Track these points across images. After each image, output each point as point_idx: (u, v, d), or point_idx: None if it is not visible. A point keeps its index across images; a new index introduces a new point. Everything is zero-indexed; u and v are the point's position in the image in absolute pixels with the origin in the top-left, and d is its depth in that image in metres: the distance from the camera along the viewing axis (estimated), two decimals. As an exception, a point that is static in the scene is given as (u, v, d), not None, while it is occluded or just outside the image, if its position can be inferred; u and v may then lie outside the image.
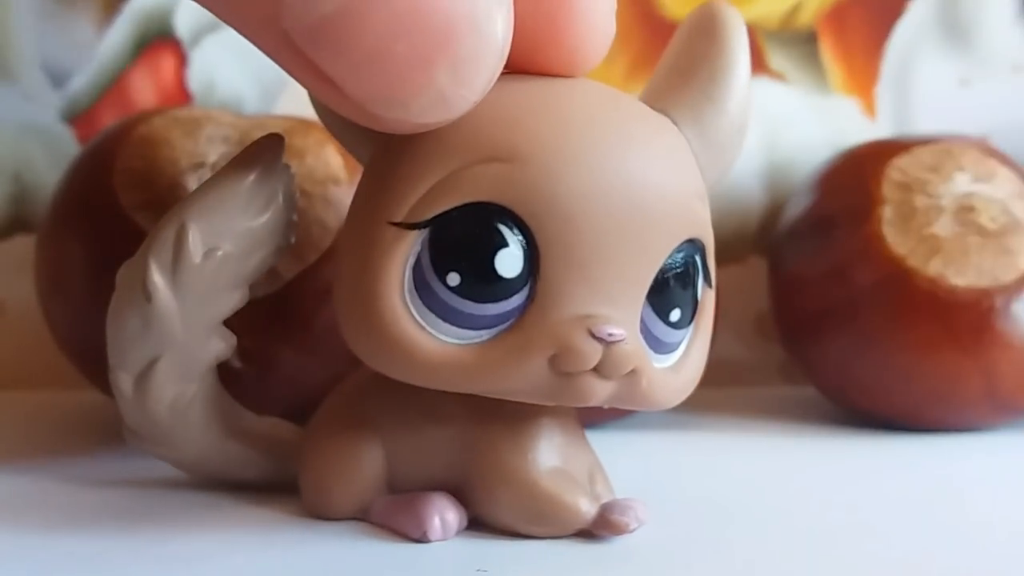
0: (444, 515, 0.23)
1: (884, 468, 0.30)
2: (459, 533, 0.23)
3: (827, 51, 0.41)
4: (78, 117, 0.39)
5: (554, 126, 0.21)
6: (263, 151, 0.24)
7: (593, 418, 0.33)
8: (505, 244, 0.21)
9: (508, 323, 0.21)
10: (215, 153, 0.31)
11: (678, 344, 0.23)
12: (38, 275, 0.33)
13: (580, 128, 0.21)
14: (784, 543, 0.24)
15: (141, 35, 0.39)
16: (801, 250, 0.35)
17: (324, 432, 0.25)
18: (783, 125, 0.40)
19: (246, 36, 0.20)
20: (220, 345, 0.24)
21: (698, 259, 0.23)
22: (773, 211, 0.40)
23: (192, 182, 0.30)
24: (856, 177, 0.34)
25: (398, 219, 0.21)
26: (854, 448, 0.32)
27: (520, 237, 0.21)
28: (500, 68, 0.20)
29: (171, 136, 0.31)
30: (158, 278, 0.23)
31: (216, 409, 0.25)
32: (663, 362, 0.23)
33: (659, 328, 0.22)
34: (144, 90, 0.39)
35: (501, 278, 0.21)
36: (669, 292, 0.22)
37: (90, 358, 0.32)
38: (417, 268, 0.21)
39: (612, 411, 0.33)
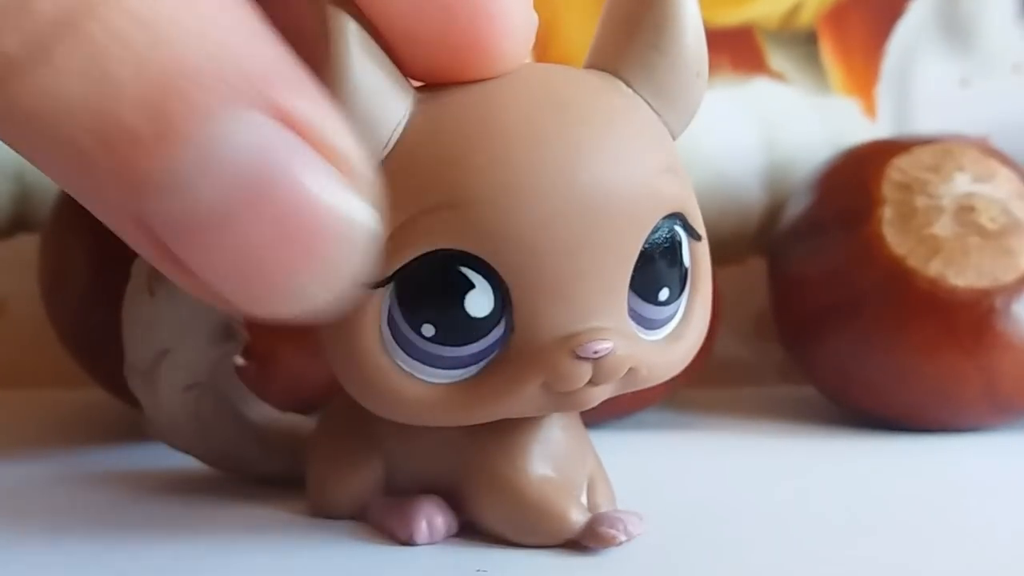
0: (432, 519, 0.23)
1: (884, 468, 0.30)
2: (449, 537, 0.23)
3: (827, 51, 0.41)
4: (80, 117, 0.39)
5: (497, 158, 0.20)
6: None
7: (593, 417, 0.33)
8: (471, 286, 0.21)
9: (493, 354, 0.21)
10: None
11: (673, 314, 0.23)
12: (41, 273, 0.33)
13: (525, 153, 0.20)
14: (784, 543, 0.24)
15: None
16: (801, 250, 0.35)
17: (326, 433, 0.25)
18: (783, 125, 0.40)
19: (93, 212, 0.19)
20: (228, 345, 0.24)
21: (679, 229, 0.22)
22: (773, 211, 0.40)
23: None
24: (856, 177, 0.34)
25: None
26: (854, 448, 0.32)
27: (484, 276, 0.21)
28: (366, 267, 0.19)
29: None
30: (160, 275, 0.23)
31: (230, 403, 0.26)
32: (660, 334, 0.22)
33: (648, 310, 0.22)
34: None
35: (475, 319, 0.21)
36: (652, 275, 0.22)
37: (93, 356, 0.32)
38: (391, 322, 0.21)
39: (612, 410, 0.33)
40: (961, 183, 0.33)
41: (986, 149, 0.35)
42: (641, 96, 0.22)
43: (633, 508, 0.24)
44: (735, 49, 0.40)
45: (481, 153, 0.20)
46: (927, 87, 0.41)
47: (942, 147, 0.34)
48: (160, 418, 0.25)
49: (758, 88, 0.40)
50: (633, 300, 0.22)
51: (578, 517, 0.23)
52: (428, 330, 0.21)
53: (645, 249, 0.21)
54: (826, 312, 0.34)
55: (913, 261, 0.32)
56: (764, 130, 0.40)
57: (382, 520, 0.24)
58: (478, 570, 0.22)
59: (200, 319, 0.24)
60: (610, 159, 0.21)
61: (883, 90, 0.41)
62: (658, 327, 0.22)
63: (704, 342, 0.34)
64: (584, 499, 0.24)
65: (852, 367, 0.33)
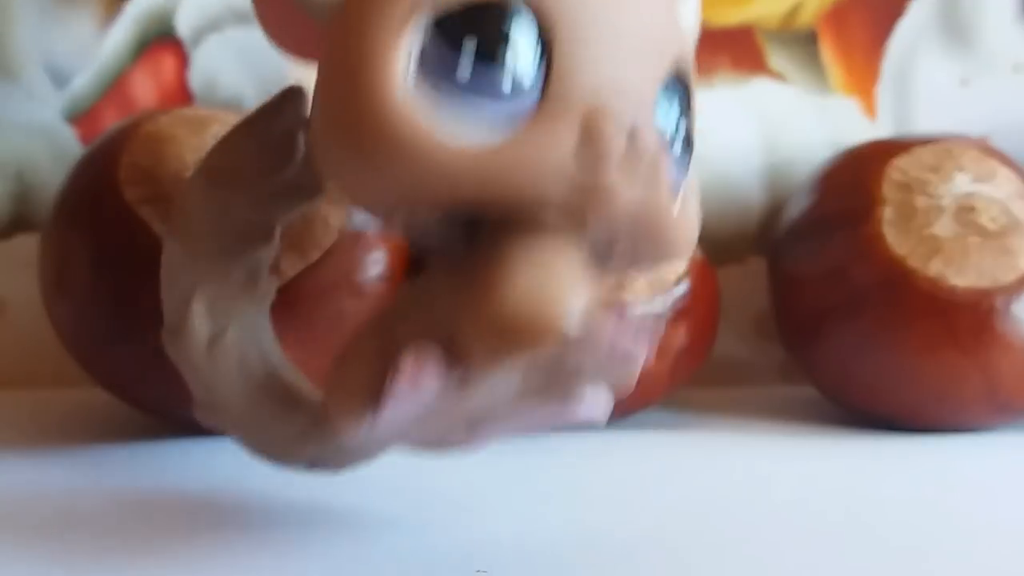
0: (420, 365, 0.20)
1: (884, 468, 0.30)
2: (441, 383, 0.20)
3: (827, 51, 0.41)
4: (80, 117, 0.39)
5: None
6: (284, 104, 0.23)
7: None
8: (516, 34, 0.19)
9: (525, 116, 0.19)
10: None
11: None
12: (42, 272, 0.33)
13: None
14: (784, 543, 0.24)
15: (142, 35, 0.39)
16: (801, 250, 0.35)
17: (346, 346, 0.22)
18: (783, 125, 0.40)
19: None
20: (256, 291, 0.23)
21: (684, 96, 0.21)
22: (773, 211, 0.40)
23: None
24: (856, 177, 0.34)
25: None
26: (854, 448, 0.32)
27: (532, 26, 0.19)
28: None
29: (177, 133, 0.31)
30: (190, 204, 0.23)
31: (257, 362, 0.24)
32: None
33: (667, 123, 0.21)
34: (145, 90, 0.39)
35: (514, 69, 0.19)
36: (680, 88, 0.21)
37: (93, 355, 0.32)
38: (423, 59, 0.19)
39: (612, 410, 0.33)
40: (961, 183, 0.33)
41: (986, 149, 0.35)
42: None
43: (633, 508, 0.24)
44: (735, 49, 0.40)
45: None
46: (927, 87, 0.41)
47: (942, 147, 0.34)
48: (194, 381, 0.24)
49: (758, 88, 0.40)
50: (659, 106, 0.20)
51: (569, 319, 0.19)
52: (464, 71, 0.19)
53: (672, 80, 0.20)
54: (826, 312, 0.34)
55: (913, 261, 0.32)
56: (764, 130, 0.40)
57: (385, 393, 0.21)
58: (478, 571, 0.22)
59: (218, 257, 0.23)
60: None
61: (883, 90, 0.41)
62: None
63: (704, 342, 0.34)
64: (586, 300, 0.20)
65: (852, 367, 0.33)
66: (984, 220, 0.33)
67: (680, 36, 0.21)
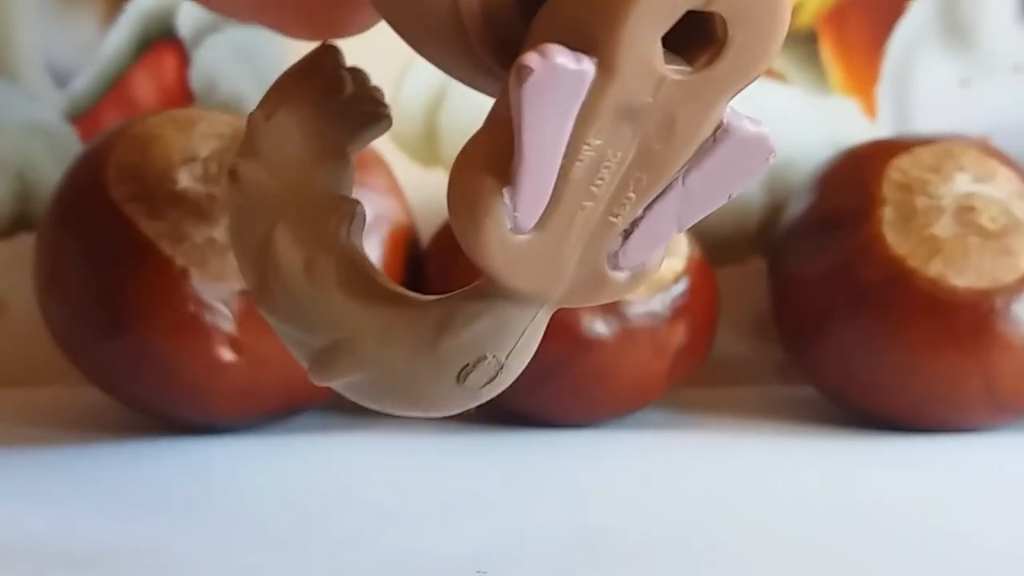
0: (550, 59, 0.17)
1: (884, 468, 0.30)
2: (576, 82, 0.18)
3: (827, 51, 0.41)
4: (81, 116, 0.39)
5: None
6: (322, 57, 0.22)
7: (593, 417, 0.33)
8: None
9: None
10: (207, 148, 0.31)
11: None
12: (36, 272, 0.33)
13: None
14: (784, 543, 0.24)
15: (143, 35, 0.39)
16: (801, 250, 0.35)
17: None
18: (783, 125, 0.40)
19: None
20: (340, 215, 0.21)
21: None
22: (773, 211, 0.40)
23: (183, 175, 0.31)
24: (856, 177, 0.34)
25: None
26: (854, 448, 0.32)
27: None
28: None
29: (164, 133, 0.32)
30: (236, 161, 0.21)
31: (362, 276, 0.21)
32: None
33: None
34: (146, 90, 0.39)
35: None
36: None
37: (88, 355, 0.32)
38: None
39: (612, 410, 0.33)
40: (961, 183, 0.33)
41: (986, 149, 0.35)
42: None
43: (632, 507, 0.24)
44: (735, 49, 0.40)
45: None
46: (927, 87, 0.41)
47: (942, 147, 0.34)
48: (312, 332, 0.21)
49: (758, 88, 0.40)
50: None
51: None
52: None
53: None
54: (826, 312, 0.34)
55: (913, 261, 0.32)
56: (764, 130, 0.40)
57: None
58: (478, 571, 0.22)
59: (292, 180, 0.22)
60: None
61: (883, 90, 0.41)
62: None
63: (703, 341, 0.34)
64: None
65: (852, 367, 0.33)
66: (984, 220, 0.33)
67: None
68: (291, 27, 0.22)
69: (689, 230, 0.34)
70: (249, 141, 0.22)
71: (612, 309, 0.32)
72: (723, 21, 0.17)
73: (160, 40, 0.39)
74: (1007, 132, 0.40)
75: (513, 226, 0.18)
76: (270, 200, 0.22)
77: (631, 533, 0.24)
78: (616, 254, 0.19)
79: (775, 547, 0.23)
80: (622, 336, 0.32)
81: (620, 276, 0.19)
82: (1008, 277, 0.32)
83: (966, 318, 0.32)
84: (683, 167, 0.18)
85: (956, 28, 0.41)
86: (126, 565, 0.22)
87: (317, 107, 0.22)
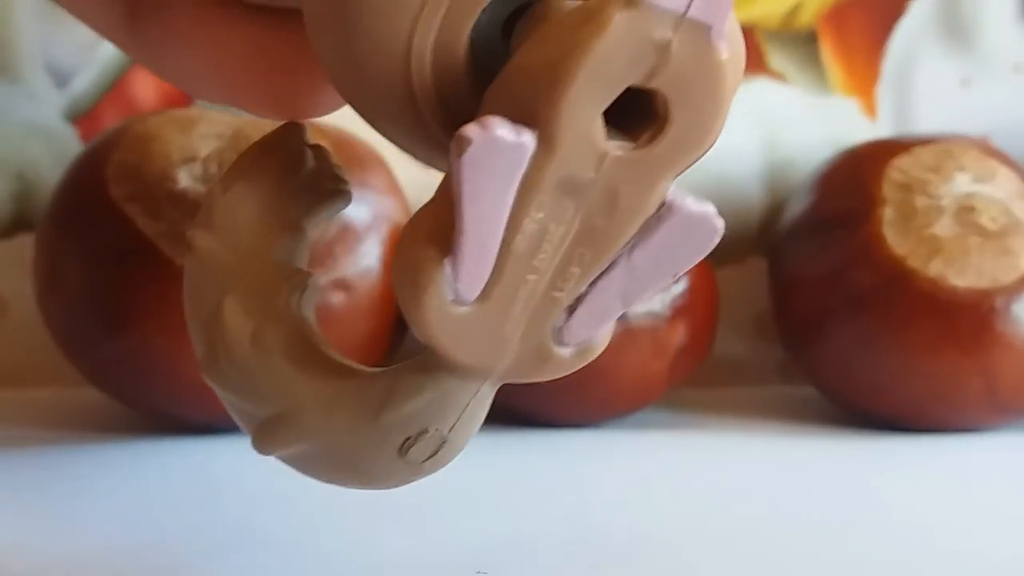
0: (489, 131, 0.17)
1: (884, 468, 0.30)
2: (514, 154, 0.18)
3: (827, 51, 0.41)
4: (81, 117, 0.39)
5: None
6: (287, 135, 0.23)
7: (593, 417, 0.33)
8: None
9: None
10: (207, 148, 0.31)
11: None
12: (36, 273, 0.33)
13: None
14: (784, 543, 0.24)
15: (143, 35, 0.39)
16: (801, 250, 0.35)
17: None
18: (783, 125, 0.40)
19: None
20: (292, 286, 0.22)
21: None
22: (773, 211, 0.40)
23: (182, 175, 0.31)
24: (856, 177, 0.34)
25: None
26: (854, 448, 0.32)
27: None
28: None
29: (164, 132, 0.32)
30: (194, 232, 0.22)
31: (304, 347, 0.22)
32: None
33: None
34: (146, 90, 0.39)
35: None
36: None
37: (87, 356, 0.32)
38: None
39: (612, 410, 0.33)
40: (961, 183, 0.34)
41: (986, 149, 0.35)
42: None
43: (632, 507, 0.24)
44: (735, 49, 0.40)
45: None
46: (927, 87, 0.41)
47: (942, 147, 0.34)
48: (257, 401, 0.21)
49: (758, 88, 0.40)
50: None
51: None
52: None
53: None
54: (826, 312, 0.34)
55: (913, 261, 0.32)
56: (764, 130, 0.40)
57: None
58: (478, 572, 0.22)
59: (247, 252, 0.22)
60: None
61: (883, 90, 0.41)
62: None
63: (703, 341, 0.34)
64: None
65: (852, 367, 0.33)
66: (984, 220, 0.33)
67: None
68: (261, 109, 0.23)
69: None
70: (206, 212, 0.22)
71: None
72: (664, 99, 0.17)
73: (160, 40, 0.39)
74: (1007, 132, 0.40)
75: (455, 297, 0.18)
76: (222, 271, 0.22)
77: (631, 533, 0.24)
78: (561, 329, 0.19)
79: (775, 547, 0.23)
80: (622, 336, 0.32)
81: (565, 352, 0.19)
82: (1008, 277, 0.32)
83: (966, 318, 0.32)
84: (628, 244, 0.18)
85: (956, 28, 0.41)
86: (126, 565, 0.22)
87: (276, 182, 0.23)
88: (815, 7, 0.41)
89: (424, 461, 0.20)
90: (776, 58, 0.41)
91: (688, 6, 0.17)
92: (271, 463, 0.28)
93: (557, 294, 0.18)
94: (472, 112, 0.18)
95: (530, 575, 0.22)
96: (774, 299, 0.36)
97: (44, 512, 0.25)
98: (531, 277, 0.18)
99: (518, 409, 0.33)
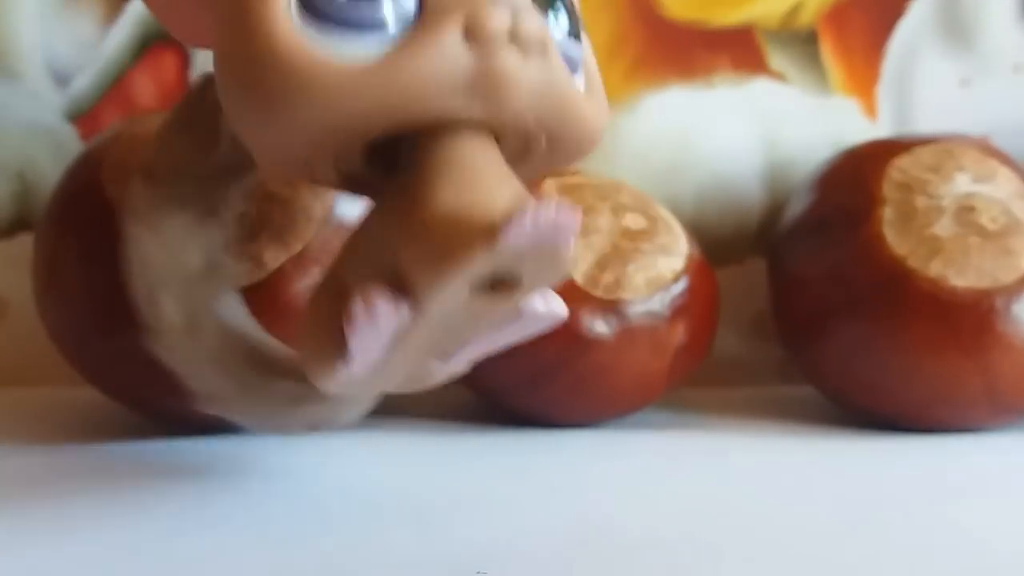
0: (371, 303, 0.20)
1: (884, 468, 0.30)
2: (394, 318, 0.20)
3: (827, 51, 0.41)
4: (81, 116, 0.39)
5: None
6: (204, 91, 0.24)
7: (593, 417, 0.33)
8: None
9: (410, 23, 0.20)
10: None
11: (577, 65, 0.22)
12: (34, 274, 0.33)
13: None
14: (784, 543, 0.24)
15: (144, 35, 0.39)
16: (801, 250, 0.35)
17: (309, 302, 0.23)
18: (783, 125, 0.40)
19: None
20: (219, 277, 0.25)
21: None
22: (773, 211, 0.40)
23: None
24: (856, 177, 0.34)
25: None
26: (854, 448, 0.32)
27: None
28: None
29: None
30: (129, 219, 0.24)
31: (237, 339, 0.25)
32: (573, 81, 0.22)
33: (555, 31, 0.21)
34: (146, 90, 0.39)
35: None
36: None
37: (85, 355, 0.32)
38: None
39: (612, 410, 0.33)
40: (961, 183, 0.33)
41: (986, 149, 0.35)
42: None
43: (632, 507, 0.24)
44: (735, 49, 0.40)
45: None
46: (927, 87, 0.41)
47: (942, 147, 0.34)
48: (190, 379, 0.25)
49: (758, 88, 0.40)
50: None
51: (490, 221, 0.20)
52: None
53: None
54: (826, 312, 0.34)
55: (913, 261, 0.32)
56: (764, 130, 0.41)
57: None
58: (478, 572, 0.22)
59: (176, 247, 0.25)
60: None
61: (883, 90, 0.41)
62: (569, 67, 0.22)
63: (703, 341, 0.34)
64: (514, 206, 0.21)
65: (852, 367, 0.33)
66: (984, 220, 0.33)
67: None
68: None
69: (689, 229, 0.35)
70: (130, 207, 0.25)
71: (611, 309, 0.32)
72: (520, 276, 0.20)
73: (160, 40, 0.39)
74: (1007, 132, 0.40)
75: (348, 373, 0.21)
76: (156, 257, 0.25)
77: (631, 533, 0.24)
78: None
79: (775, 547, 0.23)
80: (622, 336, 0.32)
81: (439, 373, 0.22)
82: (1008, 277, 0.32)
83: (966, 318, 0.32)
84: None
85: (956, 28, 0.41)
86: (126, 565, 0.22)
87: (191, 174, 0.25)
88: (815, 7, 0.41)
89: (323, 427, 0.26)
90: (776, 58, 0.41)
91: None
92: (271, 463, 0.28)
93: (428, 360, 0.22)
94: (362, 176, 0.21)
95: (530, 575, 0.22)
96: (774, 299, 0.36)
97: (43, 511, 0.25)
98: (403, 356, 0.21)
99: (518, 409, 0.33)
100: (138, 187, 0.25)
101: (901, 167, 0.34)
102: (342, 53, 0.19)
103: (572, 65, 0.22)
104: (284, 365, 0.26)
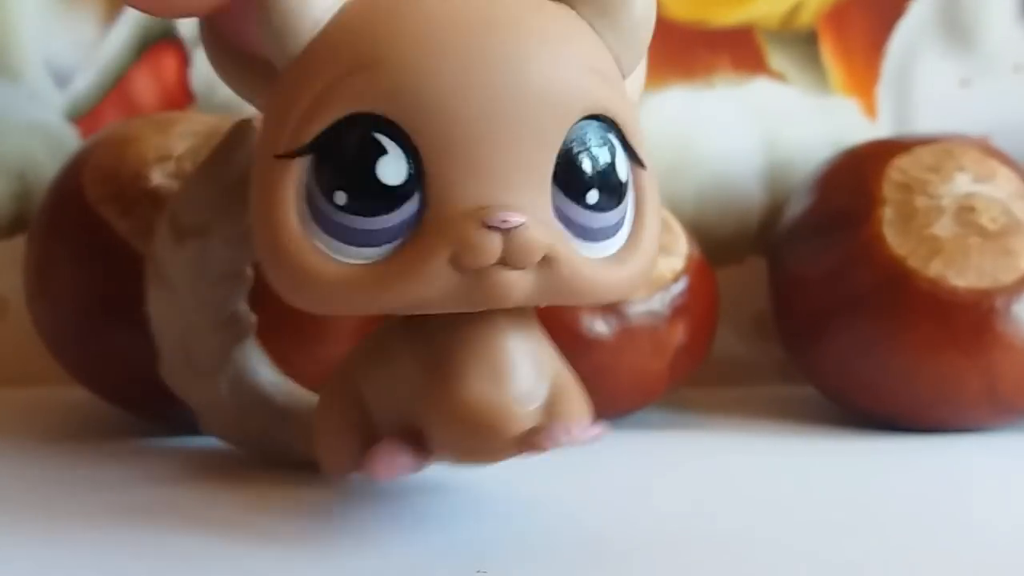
0: (391, 455, 0.23)
1: (884, 468, 0.30)
2: (411, 471, 0.23)
3: (827, 51, 0.41)
4: (82, 116, 0.39)
5: (415, 22, 0.21)
6: (241, 134, 0.24)
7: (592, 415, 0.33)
8: (384, 152, 0.21)
9: (407, 234, 0.21)
10: (182, 146, 0.32)
11: (613, 230, 0.22)
12: (25, 279, 0.33)
13: (442, 19, 0.21)
14: (783, 543, 0.24)
15: (144, 35, 0.39)
16: (801, 250, 0.35)
17: (322, 403, 0.25)
18: (783, 125, 0.40)
19: None
20: (236, 329, 0.26)
21: (612, 137, 0.22)
22: (773, 211, 0.40)
23: (157, 173, 0.31)
24: (856, 177, 0.34)
25: (281, 151, 0.21)
26: (854, 448, 0.32)
27: (398, 142, 0.21)
28: None
29: (142, 133, 0.32)
30: (164, 256, 0.25)
31: (255, 386, 0.27)
32: (600, 251, 0.22)
33: (578, 213, 0.22)
34: (147, 90, 0.39)
35: (387, 187, 0.21)
36: (578, 173, 0.22)
37: (76, 357, 0.32)
38: (309, 195, 0.21)
39: (612, 410, 0.33)
40: (961, 183, 0.34)
41: (986, 149, 0.35)
42: (584, 18, 0.23)
43: (632, 507, 0.24)
44: (735, 49, 0.40)
45: (401, 19, 0.21)
46: (927, 87, 0.41)
47: (942, 147, 0.34)
48: (201, 410, 0.27)
49: (758, 88, 0.40)
50: (559, 198, 0.21)
51: (516, 431, 0.22)
52: (340, 197, 0.21)
53: (571, 143, 0.21)
54: (826, 312, 0.34)
55: (913, 261, 0.32)
56: (764, 130, 0.41)
57: (363, 468, 0.24)
58: (478, 571, 0.22)
59: (203, 300, 0.26)
60: (533, 37, 0.21)
61: (883, 90, 0.41)
62: (595, 239, 0.22)
63: (703, 340, 0.34)
64: (539, 410, 0.23)
65: (852, 367, 0.33)
66: (984, 220, 0.33)
67: (595, 83, 0.22)
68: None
69: (689, 229, 0.35)
70: (155, 262, 0.26)
71: (611, 308, 0.32)
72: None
73: (160, 40, 0.39)
74: (1007, 132, 0.40)
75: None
76: (183, 316, 0.26)
77: (631, 533, 0.24)
78: None
79: (775, 547, 0.23)
80: (622, 335, 0.32)
81: None
82: (1008, 277, 0.32)
83: (966, 318, 0.32)
84: None
85: (956, 28, 0.41)
86: (126, 565, 0.22)
87: (222, 235, 0.25)
88: (815, 7, 0.41)
89: None
90: (776, 58, 0.41)
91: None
92: (271, 463, 0.28)
93: None
94: None
95: (530, 575, 0.22)
96: (774, 299, 0.36)
97: (43, 511, 0.25)
98: None
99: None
100: (166, 248, 0.26)
101: (901, 167, 0.34)
102: (339, 258, 0.21)
103: (600, 234, 0.22)
104: (290, 413, 0.27)
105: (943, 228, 0.33)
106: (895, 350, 0.33)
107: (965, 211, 0.33)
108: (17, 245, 0.39)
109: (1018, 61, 0.41)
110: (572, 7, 0.23)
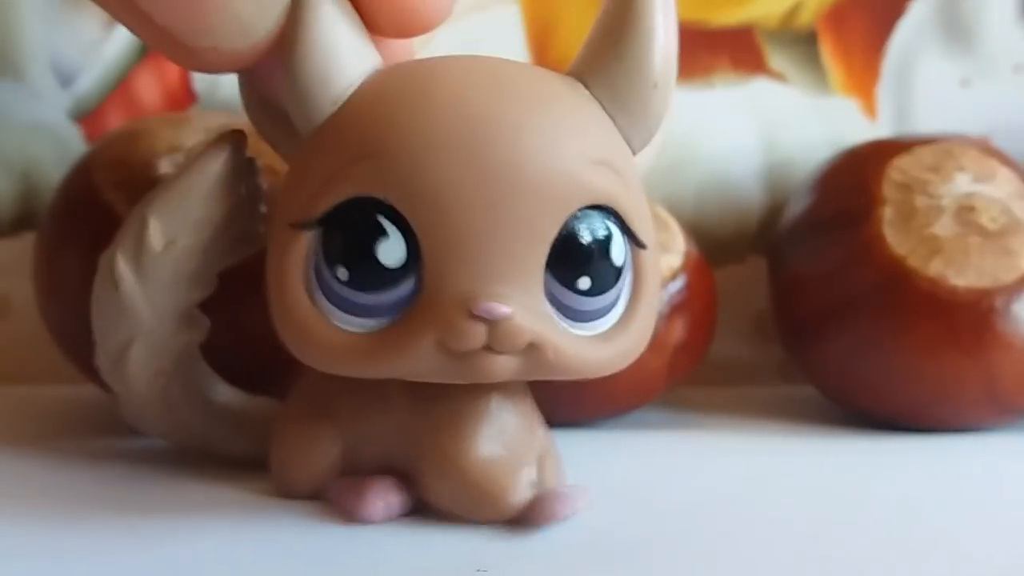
0: (387, 498, 0.24)
1: (884, 468, 0.30)
2: (402, 515, 0.25)
3: (827, 51, 0.41)
4: (85, 116, 0.39)
5: (423, 114, 0.22)
6: (224, 144, 0.25)
7: (592, 416, 0.34)
8: (385, 235, 0.22)
9: (402, 312, 0.22)
10: (193, 140, 0.32)
11: (606, 311, 0.23)
12: (36, 275, 0.33)
13: (449, 112, 0.22)
14: (783, 543, 0.24)
15: (146, 35, 0.39)
16: (801, 250, 0.35)
17: (290, 415, 0.26)
18: (783, 125, 0.41)
19: None
20: (192, 333, 0.26)
21: (611, 224, 0.23)
22: (773, 211, 0.40)
23: (165, 162, 0.31)
24: (856, 177, 0.34)
25: (295, 220, 0.23)
26: (854, 448, 0.32)
27: (399, 227, 0.22)
28: None
29: (155, 128, 0.32)
30: (123, 268, 0.25)
31: (195, 387, 0.27)
32: (589, 330, 0.23)
33: (570, 298, 0.23)
34: (150, 90, 0.39)
35: (385, 268, 0.22)
36: (572, 261, 0.22)
37: (87, 355, 0.32)
38: (316, 265, 0.23)
39: (612, 409, 0.33)
40: (961, 183, 0.34)
41: (986, 149, 0.35)
42: (597, 99, 0.23)
43: (632, 507, 0.24)
44: (735, 49, 0.40)
45: (409, 112, 0.22)
46: (927, 87, 0.41)
47: (942, 147, 0.34)
48: (131, 403, 0.27)
49: (758, 88, 0.40)
50: (552, 283, 0.22)
51: (521, 495, 0.24)
52: (343, 273, 0.22)
53: (566, 233, 0.22)
54: (826, 312, 0.34)
55: (913, 261, 0.32)
56: (764, 130, 0.41)
57: (339, 499, 0.25)
58: (478, 570, 0.22)
59: (163, 309, 0.26)
60: (534, 134, 0.22)
61: (883, 90, 0.41)
62: (586, 320, 0.23)
63: (702, 339, 0.34)
64: (533, 476, 0.24)
65: (852, 367, 0.33)
66: (984, 220, 0.33)
67: (595, 175, 0.23)
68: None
69: (689, 229, 0.35)
70: (136, 257, 0.25)
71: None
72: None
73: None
74: (1007, 132, 0.40)
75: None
76: (137, 317, 0.25)
77: (630, 533, 0.24)
78: None
79: (775, 547, 0.23)
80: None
81: None
82: (1008, 277, 0.32)
83: (966, 318, 0.32)
84: None
85: (956, 28, 0.41)
86: (126, 565, 0.22)
87: (210, 241, 0.26)
88: (815, 7, 0.41)
89: None
90: (776, 58, 0.41)
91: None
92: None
93: None
94: None
95: (530, 575, 0.22)
96: (774, 299, 0.36)
97: (44, 511, 0.25)
98: None
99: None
100: (151, 244, 0.26)
101: (901, 167, 0.34)
102: (341, 325, 0.23)
103: (591, 316, 0.23)
104: (242, 421, 0.28)
105: (943, 228, 0.33)
106: (895, 350, 0.33)
107: (965, 211, 0.33)
108: (20, 244, 0.39)
109: (1018, 61, 0.41)
110: (586, 85, 0.23)
